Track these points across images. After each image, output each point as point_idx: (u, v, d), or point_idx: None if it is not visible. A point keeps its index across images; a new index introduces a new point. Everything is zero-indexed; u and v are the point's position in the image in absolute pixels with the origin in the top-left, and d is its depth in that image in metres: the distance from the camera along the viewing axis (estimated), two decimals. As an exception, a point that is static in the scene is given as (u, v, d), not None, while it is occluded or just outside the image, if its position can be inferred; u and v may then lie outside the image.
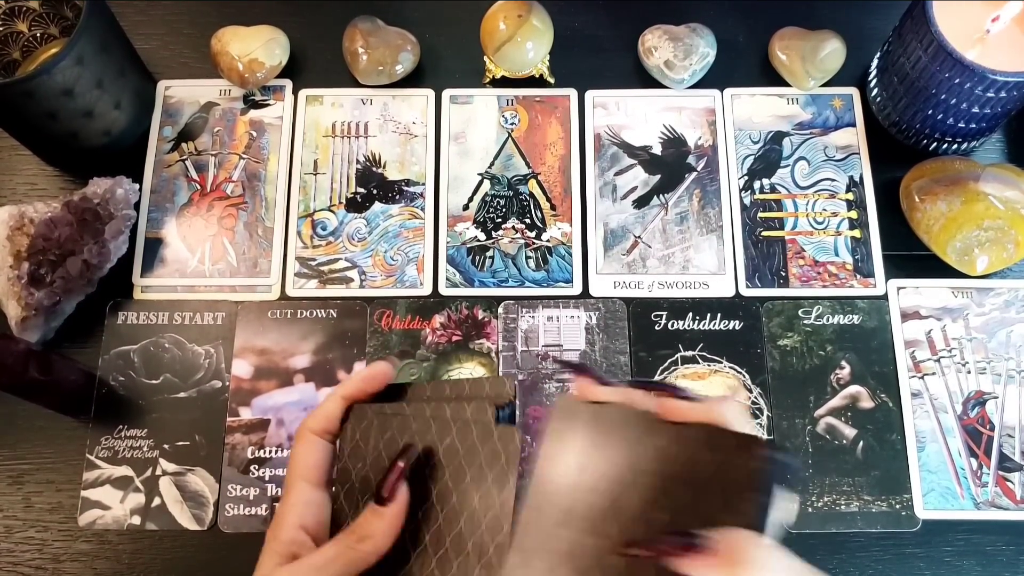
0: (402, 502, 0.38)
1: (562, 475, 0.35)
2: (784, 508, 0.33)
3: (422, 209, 0.71)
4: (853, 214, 0.70)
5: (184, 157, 0.73)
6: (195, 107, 0.74)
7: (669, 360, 0.66)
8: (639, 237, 0.70)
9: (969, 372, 0.66)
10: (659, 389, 0.36)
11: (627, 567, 0.32)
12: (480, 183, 0.72)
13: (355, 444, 0.41)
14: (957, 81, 0.63)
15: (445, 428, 0.39)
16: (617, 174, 0.72)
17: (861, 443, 0.64)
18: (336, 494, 0.41)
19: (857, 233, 0.70)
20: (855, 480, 0.63)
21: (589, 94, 0.74)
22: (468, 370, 0.66)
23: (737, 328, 0.67)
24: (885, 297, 0.68)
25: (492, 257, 0.70)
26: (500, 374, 0.65)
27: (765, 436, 0.31)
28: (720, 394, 0.34)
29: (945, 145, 0.71)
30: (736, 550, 0.31)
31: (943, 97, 0.65)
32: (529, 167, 0.72)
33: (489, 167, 0.72)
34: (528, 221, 0.71)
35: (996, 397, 0.65)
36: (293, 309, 0.68)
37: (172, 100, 0.74)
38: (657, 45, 0.73)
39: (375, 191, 0.72)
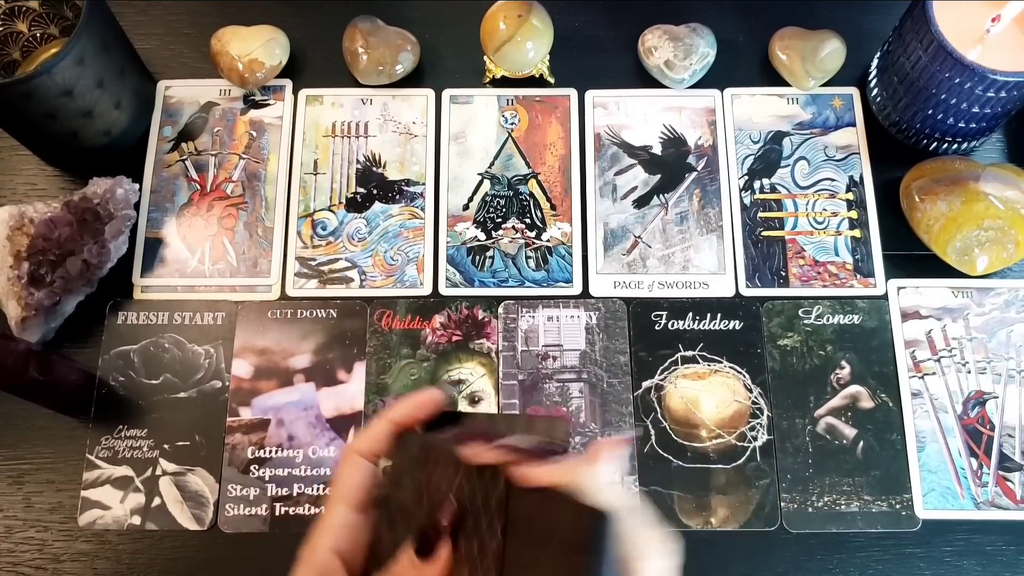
0: (444, 559, 0.37)
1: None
2: (661, 553, 0.35)
3: (422, 209, 0.71)
4: (853, 214, 0.70)
5: (184, 157, 0.73)
6: (195, 107, 0.74)
7: (669, 360, 0.66)
8: (639, 237, 0.70)
9: (969, 372, 0.66)
10: (534, 454, 0.37)
11: None
12: (480, 183, 0.72)
13: (400, 471, 0.40)
14: (957, 81, 0.63)
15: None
16: (617, 174, 0.72)
17: (861, 443, 0.64)
18: (376, 520, 0.41)
19: (857, 233, 0.70)
20: (855, 480, 0.63)
21: (589, 94, 0.74)
22: (468, 370, 0.66)
23: (737, 328, 0.67)
24: (885, 297, 0.68)
25: (492, 257, 0.70)
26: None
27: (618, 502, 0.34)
28: (596, 455, 0.36)
29: (945, 145, 0.71)
30: None
31: (943, 97, 0.65)
32: (529, 167, 0.72)
33: (489, 167, 0.72)
34: (528, 221, 0.71)
35: (996, 397, 0.65)
36: (293, 309, 0.68)
37: (172, 100, 0.74)
38: (657, 45, 0.73)
39: (375, 191, 0.72)
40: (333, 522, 0.40)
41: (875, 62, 0.73)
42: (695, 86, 0.74)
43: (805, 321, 0.67)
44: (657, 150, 0.73)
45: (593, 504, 0.34)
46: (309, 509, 0.63)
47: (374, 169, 0.72)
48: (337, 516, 0.40)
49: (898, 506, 0.62)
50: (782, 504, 0.63)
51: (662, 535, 0.35)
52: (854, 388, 0.65)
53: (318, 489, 0.63)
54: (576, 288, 0.69)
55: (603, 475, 0.36)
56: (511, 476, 0.36)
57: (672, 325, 0.67)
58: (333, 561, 0.39)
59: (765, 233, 0.70)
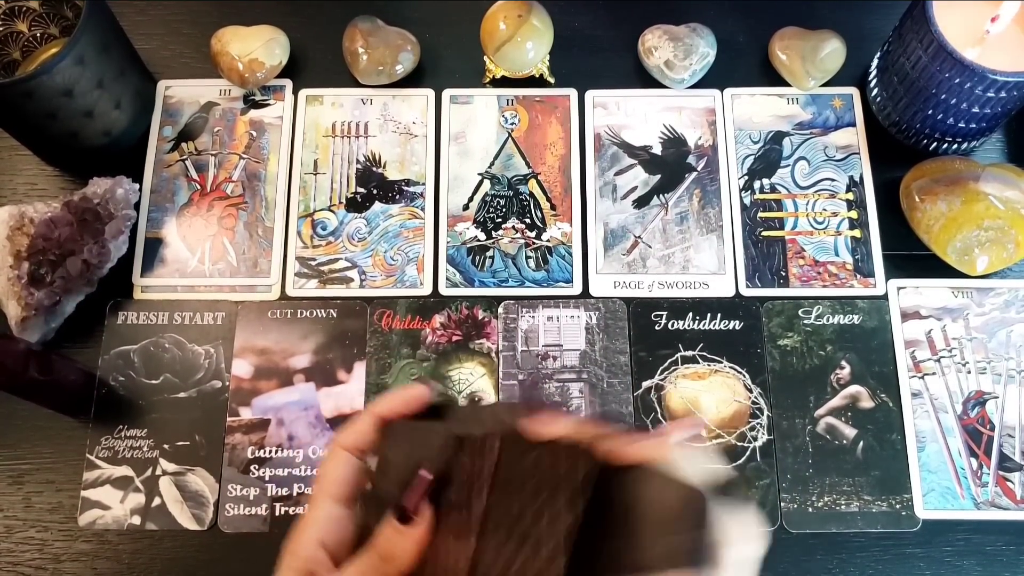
0: (426, 519, 0.36)
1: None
2: (748, 539, 0.33)
3: (422, 209, 0.71)
4: (853, 214, 0.70)
5: (184, 157, 0.73)
6: (195, 107, 0.74)
7: (669, 360, 0.66)
8: (639, 237, 0.70)
9: (969, 372, 0.66)
10: (613, 425, 0.36)
11: None
12: (480, 183, 0.72)
13: (386, 462, 0.40)
14: (957, 81, 0.63)
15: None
16: (617, 174, 0.72)
17: (861, 443, 0.64)
18: (364, 513, 0.40)
19: (857, 233, 0.70)
20: (855, 480, 0.63)
21: (589, 94, 0.74)
22: (468, 370, 0.66)
23: (737, 328, 0.67)
24: (885, 297, 0.68)
25: (492, 257, 0.70)
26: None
27: (712, 469, 0.32)
28: (681, 425, 0.34)
29: (945, 145, 0.71)
30: None
31: (943, 97, 0.65)
32: (529, 167, 0.72)
33: (489, 167, 0.72)
34: (528, 221, 0.71)
35: (996, 397, 0.65)
36: (293, 309, 0.68)
37: (172, 100, 0.74)
38: (657, 45, 0.73)
39: (375, 191, 0.72)
40: (318, 516, 0.39)
41: (875, 62, 0.73)
42: (695, 86, 0.74)
43: (805, 321, 0.67)
44: (657, 150, 0.73)
45: (692, 483, 0.32)
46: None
47: (374, 169, 0.72)
48: (322, 510, 0.39)
49: (898, 506, 0.62)
50: (782, 504, 0.63)
51: (750, 520, 0.34)
52: (854, 388, 0.65)
53: (318, 489, 0.63)
54: (576, 288, 0.69)
55: (693, 455, 0.34)
56: (598, 454, 0.34)
57: (672, 325, 0.67)
58: (319, 553, 0.38)
59: (765, 233, 0.70)
